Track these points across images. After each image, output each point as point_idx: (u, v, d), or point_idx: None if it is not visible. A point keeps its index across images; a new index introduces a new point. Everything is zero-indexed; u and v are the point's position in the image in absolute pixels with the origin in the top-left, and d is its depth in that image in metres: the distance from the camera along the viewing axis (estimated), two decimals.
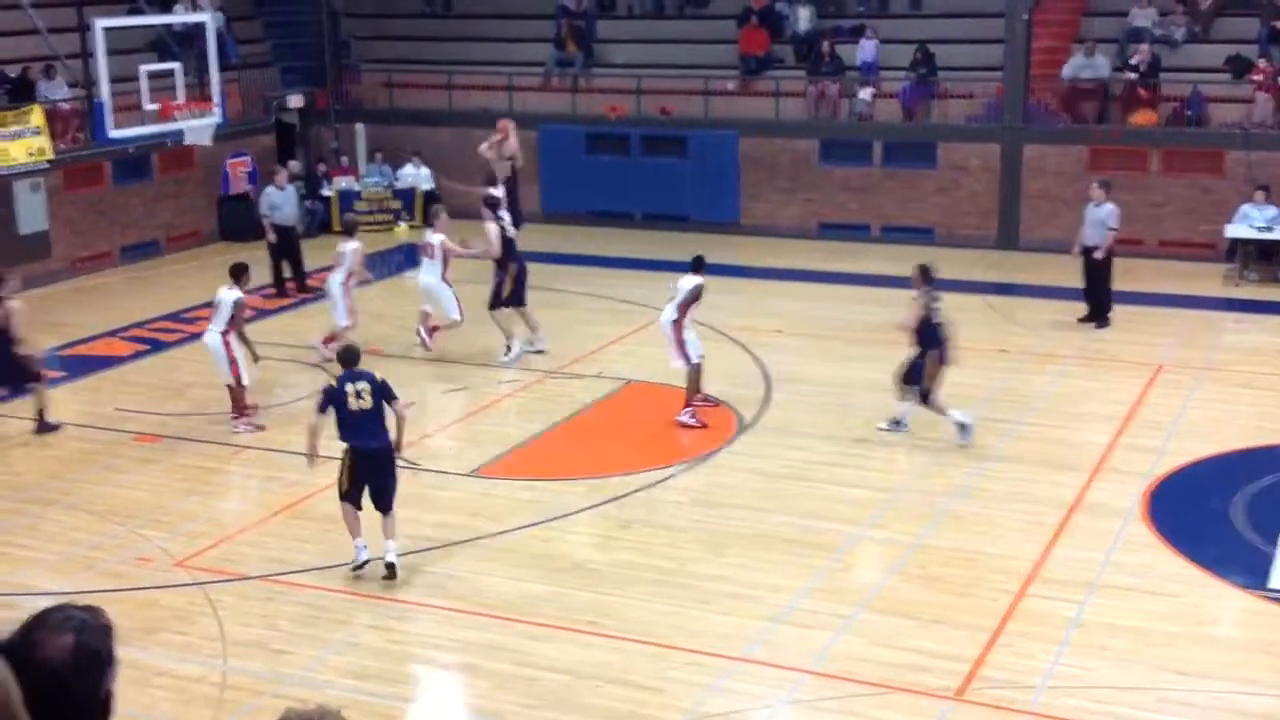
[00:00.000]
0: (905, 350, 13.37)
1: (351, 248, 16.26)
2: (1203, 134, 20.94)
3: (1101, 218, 17.09)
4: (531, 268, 19.88)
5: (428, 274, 16.17)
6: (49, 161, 20.24)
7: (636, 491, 12.32)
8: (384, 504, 10.47)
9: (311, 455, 10.60)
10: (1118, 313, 17.34)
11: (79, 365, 16.39)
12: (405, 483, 12.47)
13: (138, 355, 17.00)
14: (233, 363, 13.82)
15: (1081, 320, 17.33)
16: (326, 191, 24.32)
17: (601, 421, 14.40)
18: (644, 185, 23.74)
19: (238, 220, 22.75)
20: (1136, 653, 9.28)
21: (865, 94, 22.78)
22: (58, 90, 21.13)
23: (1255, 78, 20.71)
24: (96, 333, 17.79)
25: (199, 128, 19.45)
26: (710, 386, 14.67)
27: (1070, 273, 17.69)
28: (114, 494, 12.46)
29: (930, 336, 13.16)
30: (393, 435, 10.48)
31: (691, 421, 13.92)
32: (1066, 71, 21.82)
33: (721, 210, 23.44)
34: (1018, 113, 21.76)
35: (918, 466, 12.82)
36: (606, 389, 15.20)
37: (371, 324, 16.89)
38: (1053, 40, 22.39)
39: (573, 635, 9.61)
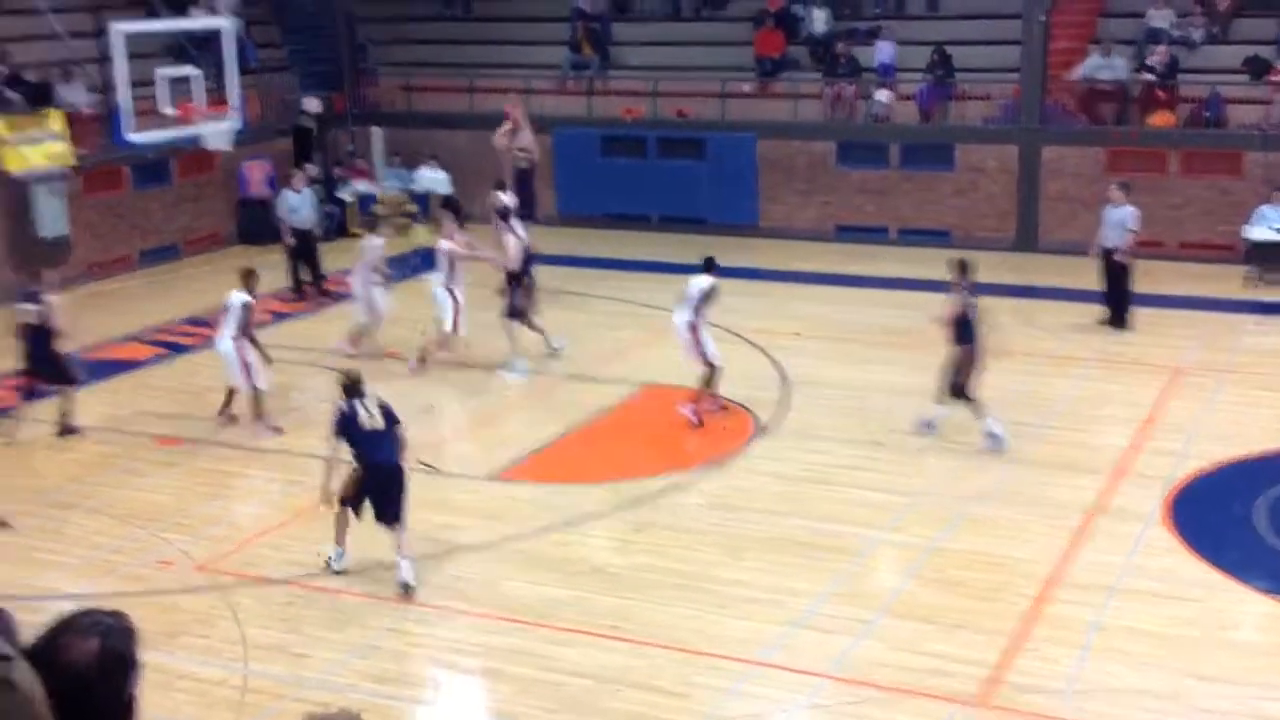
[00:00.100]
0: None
1: (374, 244, 16.36)
2: (1221, 135, 20.85)
3: (1121, 220, 17.03)
4: (548, 270, 19.97)
5: (434, 281, 16.15)
6: (69, 166, 20.32)
7: (655, 495, 12.31)
8: (389, 516, 10.41)
9: (327, 498, 10.49)
10: (1137, 315, 17.27)
11: (99, 369, 16.43)
12: (425, 487, 12.52)
13: (157, 359, 17.06)
14: (246, 368, 13.85)
15: (1101, 323, 17.27)
16: (344, 195, 24.38)
17: (619, 425, 14.40)
18: (661, 188, 23.73)
19: (256, 224, 22.81)
20: (1158, 657, 9.24)
21: (882, 96, 22.74)
22: (77, 95, 21.21)
23: (1274, 79, 20.63)
24: (116, 337, 17.84)
25: (217, 132, 19.47)
26: (728, 389, 14.66)
27: (1089, 275, 17.63)
28: (135, 497, 12.50)
29: (965, 332, 13.10)
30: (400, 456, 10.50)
31: (691, 417, 13.91)
32: (1079, 72, 21.75)
33: (739, 213, 23.42)
34: (1035, 114, 21.70)
35: (938, 470, 12.77)
36: (624, 392, 15.19)
37: (387, 327, 16.88)
38: (1070, 41, 22.32)
39: (594, 639, 9.60)
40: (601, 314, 18.65)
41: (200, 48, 21.08)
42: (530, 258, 16.80)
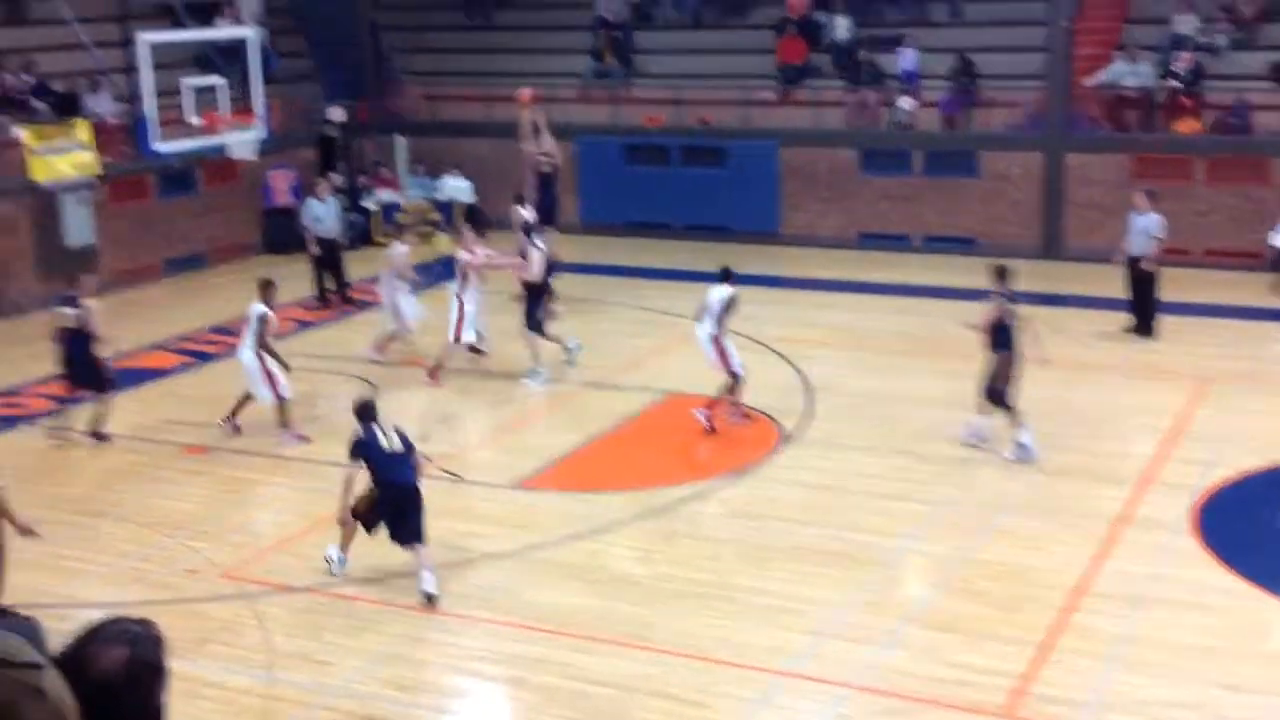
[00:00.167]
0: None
1: (399, 251, 16.46)
2: (1247, 142, 20.73)
3: (1146, 227, 16.94)
4: (571, 278, 20.03)
5: (450, 290, 16.21)
6: (95, 175, 20.46)
7: (678, 504, 12.30)
8: (407, 536, 10.44)
9: (343, 519, 10.53)
10: (1163, 323, 17.18)
11: (126, 377, 16.48)
12: (448, 495, 12.55)
13: (184, 367, 17.15)
14: (269, 377, 13.91)
15: (1127, 331, 17.18)
16: (368, 204, 24.47)
17: (642, 433, 14.39)
18: (683, 196, 23.75)
19: (281, 233, 22.90)
20: (1186, 668, 9.17)
21: (905, 103, 22.70)
22: (103, 105, 21.36)
23: None
24: (143, 345, 17.94)
25: (243, 141, 19.61)
26: (752, 398, 14.64)
27: (1114, 283, 17.54)
28: (162, 505, 12.56)
29: (1003, 339, 13.01)
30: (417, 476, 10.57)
31: (704, 421, 13.89)
32: (1101, 78, 21.65)
33: (761, 220, 23.41)
34: (1060, 121, 21.61)
35: (963, 479, 12.72)
36: (646, 400, 15.18)
37: (417, 335, 16.94)
38: (1094, 48, 22.23)
39: (618, 649, 9.59)
40: (624, 322, 18.66)
41: (225, 57, 21.21)
42: (552, 267, 16.84)
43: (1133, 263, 17.11)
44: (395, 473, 10.38)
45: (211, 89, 18.92)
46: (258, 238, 23.69)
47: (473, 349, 16.23)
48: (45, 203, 20.11)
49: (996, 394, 13.07)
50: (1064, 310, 18.63)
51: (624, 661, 9.40)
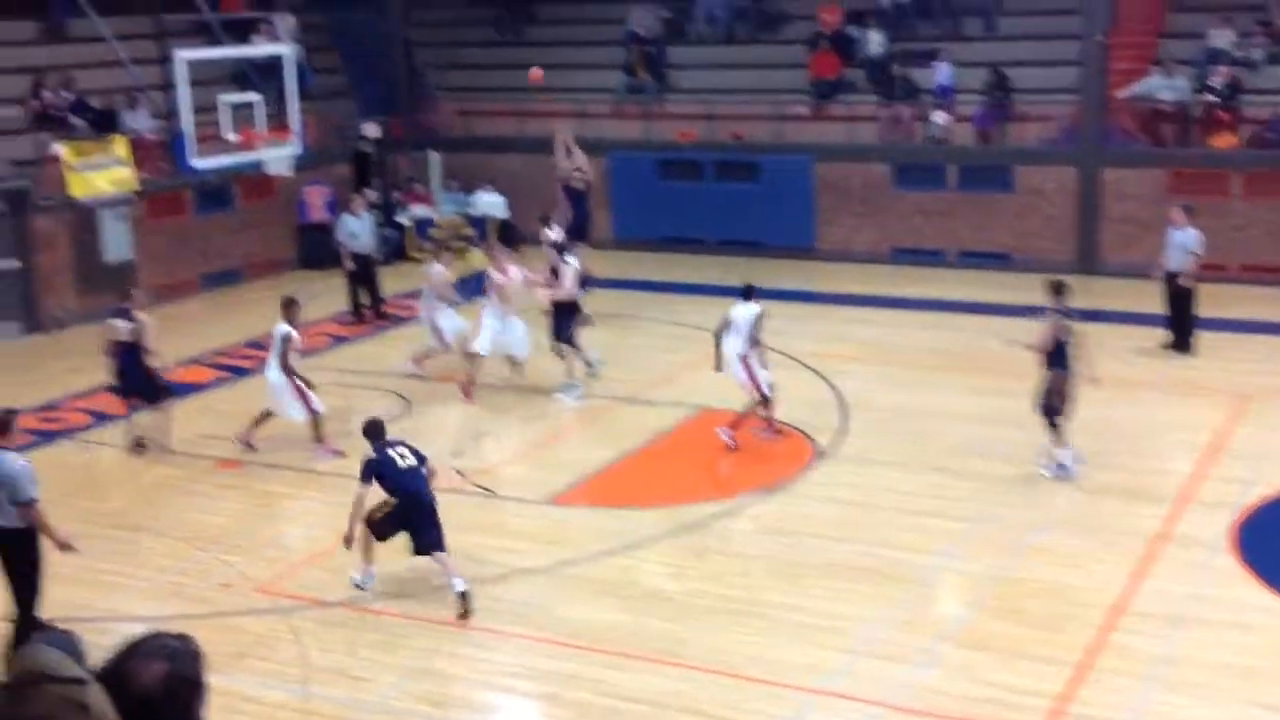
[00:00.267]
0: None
1: (435, 271, 16.56)
2: None
3: (1184, 242, 16.81)
4: (604, 293, 20.08)
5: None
6: (133, 191, 20.65)
7: (711, 520, 12.27)
8: (428, 545, 10.55)
9: (350, 539, 10.58)
10: (1201, 339, 17.04)
11: None
12: (482, 510, 12.59)
13: (219, 382, 17.25)
14: (301, 394, 13.98)
15: (1164, 347, 17.05)
16: (402, 219, 24.59)
17: (675, 449, 14.37)
18: (716, 211, 23.75)
19: (316, 248, 23.05)
20: (1226, 688, 9.07)
21: (940, 117, 22.65)
22: (141, 121, 21.56)
23: None
24: (179, 359, 18.06)
25: (278, 157, 19.75)
26: (786, 413, 14.62)
27: (1151, 298, 17.42)
28: (198, 520, 12.64)
29: (1058, 356, 12.80)
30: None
31: (729, 440, 13.86)
32: (1133, 90, 21.51)
33: (795, 235, 23.38)
34: (1095, 136, 21.50)
35: (998, 496, 12.63)
36: (679, 416, 15.16)
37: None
38: (1129, 63, 22.12)
39: (651, 665, 9.56)
40: (657, 337, 18.66)
41: (262, 74, 21.38)
42: (584, 283, 16.89)
43: (1170, 278, 16.98)
44: (412, 486, 10.52)
45: (248, 105, 19.07)
46: (293, 253, 23.84)
47: (510, 360, 16.25)
48: (84, 218, 20.33)
49: (1051, 411, 12.85)
50: (1100, 326, 18.39)
51: (656, 678, 9.37)
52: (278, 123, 19.48)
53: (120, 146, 20.46)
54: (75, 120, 20.77)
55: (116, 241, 20.83)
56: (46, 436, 14.99)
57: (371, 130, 24.43)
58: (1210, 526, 11.69)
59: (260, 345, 18.32)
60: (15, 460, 9.60)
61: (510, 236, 24.10)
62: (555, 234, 17.82)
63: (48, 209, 19.86)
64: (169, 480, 13.82)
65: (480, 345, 15.95)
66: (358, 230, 19.90)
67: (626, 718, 8.89)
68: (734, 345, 14.03)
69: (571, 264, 16.41)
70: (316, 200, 23.92)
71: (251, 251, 23.21)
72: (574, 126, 24.12)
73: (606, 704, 9.05)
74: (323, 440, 14.08)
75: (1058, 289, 13.06)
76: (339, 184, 23.95)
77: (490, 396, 16.02)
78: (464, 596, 10.38)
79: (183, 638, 3.22)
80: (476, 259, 23.68)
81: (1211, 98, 21.07)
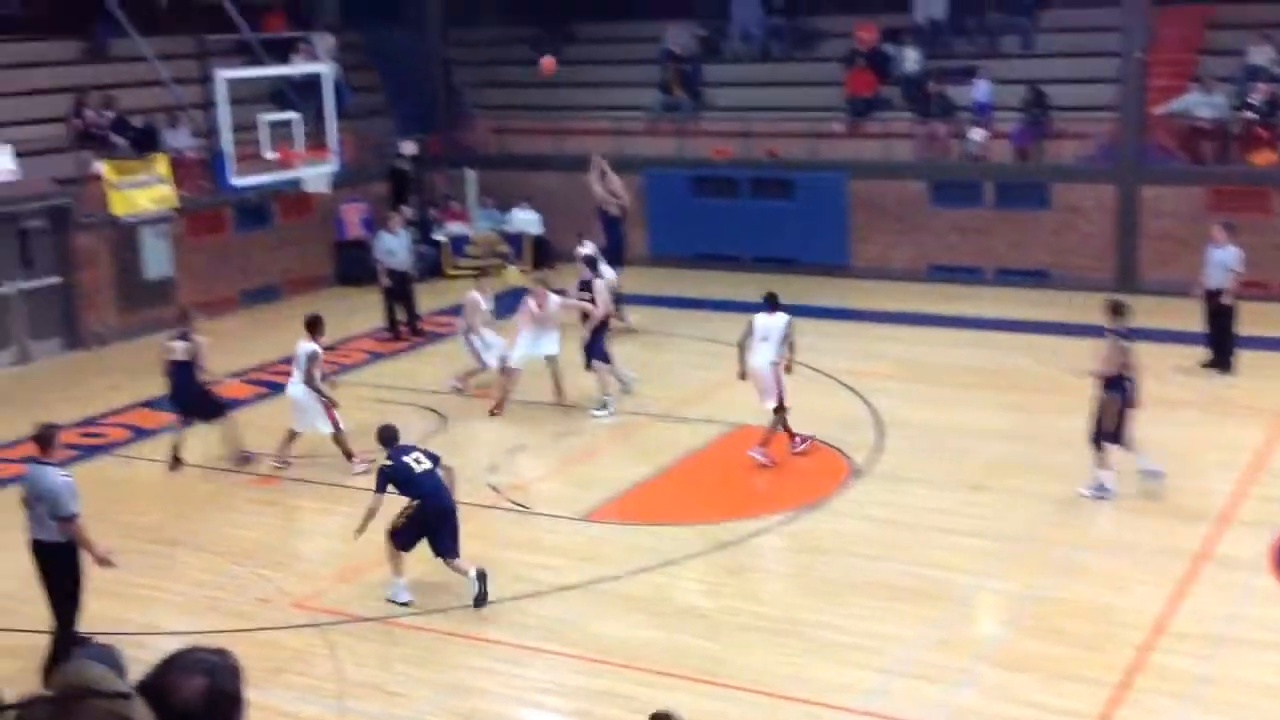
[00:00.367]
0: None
1: (470, 298, 16.70)
2: None
3: (1224, 260, 16.68)
4: (639, 310, 20.12)
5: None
6: (173, 209, 20.85)
7: (746, 537, 12.24)
8: (446, 549, 10.85)
9: (360, 531, 10.95)
10: (1241, 358, 16.87)
11: None
12: (516, 527, 12.62)
13: (257, 398, 17.36)
14: (327, 410, 14.10)
15: (1204, 365, 16.91)
16: (438, 236, 24.72)
17: (710, 465, 14.35)
18: (751, 228, 23.74)
19: (353, 265, 23.20)
20: (1267, 709, 8.97)
21: (977, 134, 22.58)
22: (182, 140, 21.78)
23: None
24: (218, 376, 18.17)
25: (317, 175, 19.91)
26: (821, 431, 14.60)
27: (1190, 316, 17.27)
28: (236, 535, 12.72)
29: (1116, 378, 12.60)
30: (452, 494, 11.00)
31: (763, 459, 13.84)
32: (1170, 107, 21.37)
33: (830, 253, 23.34)
34: (1135, 153, 21.37)
35: (1035, 515, 12.53)
36: (714, 433, 15.15)
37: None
38: (1168, 80, 21.99)
39: (685, 683, 9.53)
40: (692, 354, 18.64)
41: (301, 93, 21.56)
42: (615, 300, 16.97)
43: (1210, 296, 16.85)
44: (429, 488, 10.80)
45: (287, 124, 19.23)
46: (330, 270, 24.00)
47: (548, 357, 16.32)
48: (125, 236, 20.54)
49: (1101, 434, 12.65)
50: (1139, 344, 18.31)
51: (691, 696, 9.33)
52: (316, 141, 19.64)
53: (161, 165, 20.67)
54: (117, 139, 21.01)
55: (157, 259, 21.03)
56: (87, 452, 15.12)
57: (409, 148, 24.59)
58: (1250, 546, 11.57)
59: None
60: (57, 475, 9.70)
61: (545, 253, 24.32)
62: (588, 249, 17.87)
63: (89, 226, 20.08)
64: (206, 495, 13.92)
65: (514, 359, 16.05)
66: (394, 247, 20.01)
67: None
68: (765, 354, 14.00)
69: (603, 280, 16.48)
70: (354, 218, 24.08)
71: (290, 268, 23.37)
72: (610, 144, 24.27)
73: None
74: (353, 454, 14.15)
75: (1117, 309, 12.85)
76: (376, 202, 24.11)
77: (525, 412, 16.06)
78: (481, 576, 10.73)
79: (221, 652, 3.24)
80: (512, 276, 23.80)
81: (1251, 115, 20.91)
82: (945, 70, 23.71)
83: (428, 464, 10.90)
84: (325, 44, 24.48)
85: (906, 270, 22.86)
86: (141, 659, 3.29)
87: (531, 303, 16.12)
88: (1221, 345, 16.89)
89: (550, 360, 16.15)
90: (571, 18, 27.84)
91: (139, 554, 11.85)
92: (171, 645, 3.34)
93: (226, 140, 18.24)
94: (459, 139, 26.70)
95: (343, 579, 11.61)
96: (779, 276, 22.14)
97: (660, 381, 17.00)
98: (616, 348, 17.26)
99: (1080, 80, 22.52)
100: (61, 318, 20.12)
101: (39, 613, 9.92)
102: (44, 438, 9.87)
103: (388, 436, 11.20)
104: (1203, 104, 21.23)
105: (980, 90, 22.85)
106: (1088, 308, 19.87)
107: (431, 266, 23.83)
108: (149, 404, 16.79)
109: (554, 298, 16.20)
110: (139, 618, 10.73)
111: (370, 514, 10.88)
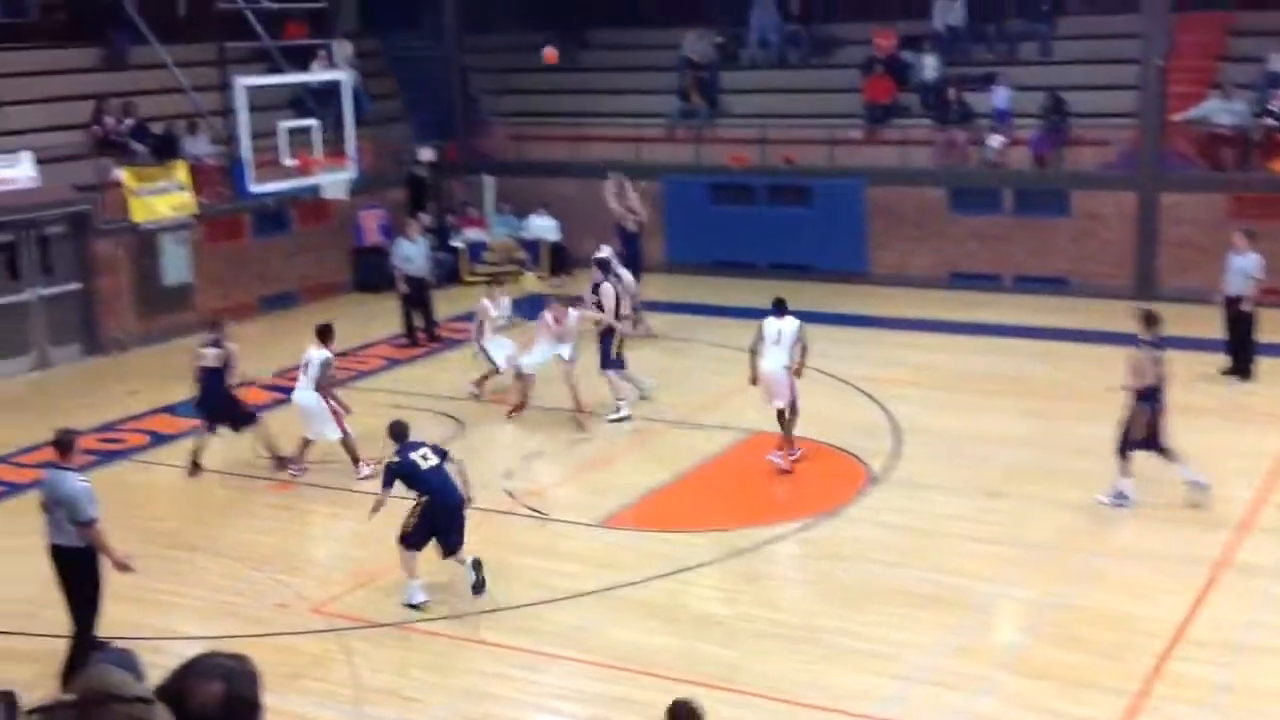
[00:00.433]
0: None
1: (481, 306, 16.80)
2: None
3: (1245, 267, 16.61)
4: (656, 317, 20.11)
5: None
6: (192, 215, 20.94)
7: (764, 544, 12.21)
8: (452, 547, 11.07)
9: (374, 511, 11.26)
10: (1262, 365, 16.79)
11: None
12: (533, 533, 12.61)
13: (275, 404, 17.37)
14: (335, 415, 14.16)
15: (1224, 372, 16.82)
16: (456, 243, 24.76)
17: (726, 472, 14.33)
18: (769, 235, 23.72)
19: (371, 272, 23.26)
20: None
21: (995, 141, 22.52)
22: (201, 146, 21.86)
23: None
24: (236, 382, 18.21)
25: (335, 182, 19.97)
26: (839, 438, 14.58)
27: (1210, 323, 17.19)
28: (253, 540, 12.75)
29: (1149, 391, 12.50)
30: (461, 490, 11.10)
31: (782, 464, 13.81)
32: (1190, 114, 21.28)
33: (848, 259, 23.31)
34: (1154, 160, 21.30)
35: (1054, 522, 12.48)
36: (730, 439, 15.13)
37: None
38: (1188, 87, 21.89)
39: (702, 690, 9.44)
40: (708, 360, 18.62)
41: (319, 100, 21.64)
42: (634, 307, 17.02)
43: (1231, 303, 16.77)
44: (436, 484, 10.94)
45: (306, 131, 19.30)
46: (348, 276, 24.06)
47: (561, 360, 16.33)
48: (144, 242, 20.63)
49: (1130, 443, 12.55)
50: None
51: (707, 703, 9.21)
52: (334, 148, 19.70)
53: (180, 171, 20.77)
54: (136, 146, 21.09)
55: (176, 265, 21.12)
56: (106, 457, 15.18)
57: (427, 155, 24.65)
58: (1270, 553, 11.51)
59: None
60: (76, 480, 9.73)
61: (563, 261, 24.33)
62: (604, 253, 17.87)
63: (109, 233, 20.16)
64: (224, 501, 13.96)
65: (528, 364, 16.09)
66: (412, 254, 20.05)
67: None
68: (778, 357, 13.96)
69: (611, 284, 16.50)
70: (372, 224, 24.14)
71: (308, 275, 23.44)
72: (628, 151, 24.31)
73: None
74: (359, 459, 14.20)
75: (1150, 320, 12.75)
76: (394, 208, 24.17)
77: (541, 418, 16.07)
78: (477, 563, 10.99)
79: (239, 658, 3.25)
80: (530, 282, 23.83)
81: (1271, 121, 20.81)
82: (964, 77, 23.66)
83: (435, 460, 11.02)
84: (344, 51, 24.55)
85: (925, 277, 22.80)
86: (159, 664, 3.29)
87: (550, 318, 16.14)
88: (1241, 352, 16.81)
89: (563, 363, 16.12)
90: (589, 24, 27.88)
91: (157, 559, 11.87)
92: (189, 650, 3.35)
93: (245, 147, 18.31)
94: (477, 146, 26.75)
95: (360, 584, 11.62)
96: (796, 283, 22.17)
97: (677, 388, 17.00)
98: (635, 354, 17.29)
99: (1099, 87, 22.45)
100: (81, 324, 20.21)
101: (58, 617, 9.96)
102: (63, 443, 9.91)
103: (398, 432, 11.36)
104: (1223, 111, 21.15)
105: (1000, 97, 22.79)
106: (1107, 315, 19.89)
107: (449, 273, 23.86)
108: (168, 409, 16.86)
109: (572, 313, 16.18)
110: (157, 622, 10.76)
111: (378, 505, 11.10)
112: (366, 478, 14.00)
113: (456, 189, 26.13)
